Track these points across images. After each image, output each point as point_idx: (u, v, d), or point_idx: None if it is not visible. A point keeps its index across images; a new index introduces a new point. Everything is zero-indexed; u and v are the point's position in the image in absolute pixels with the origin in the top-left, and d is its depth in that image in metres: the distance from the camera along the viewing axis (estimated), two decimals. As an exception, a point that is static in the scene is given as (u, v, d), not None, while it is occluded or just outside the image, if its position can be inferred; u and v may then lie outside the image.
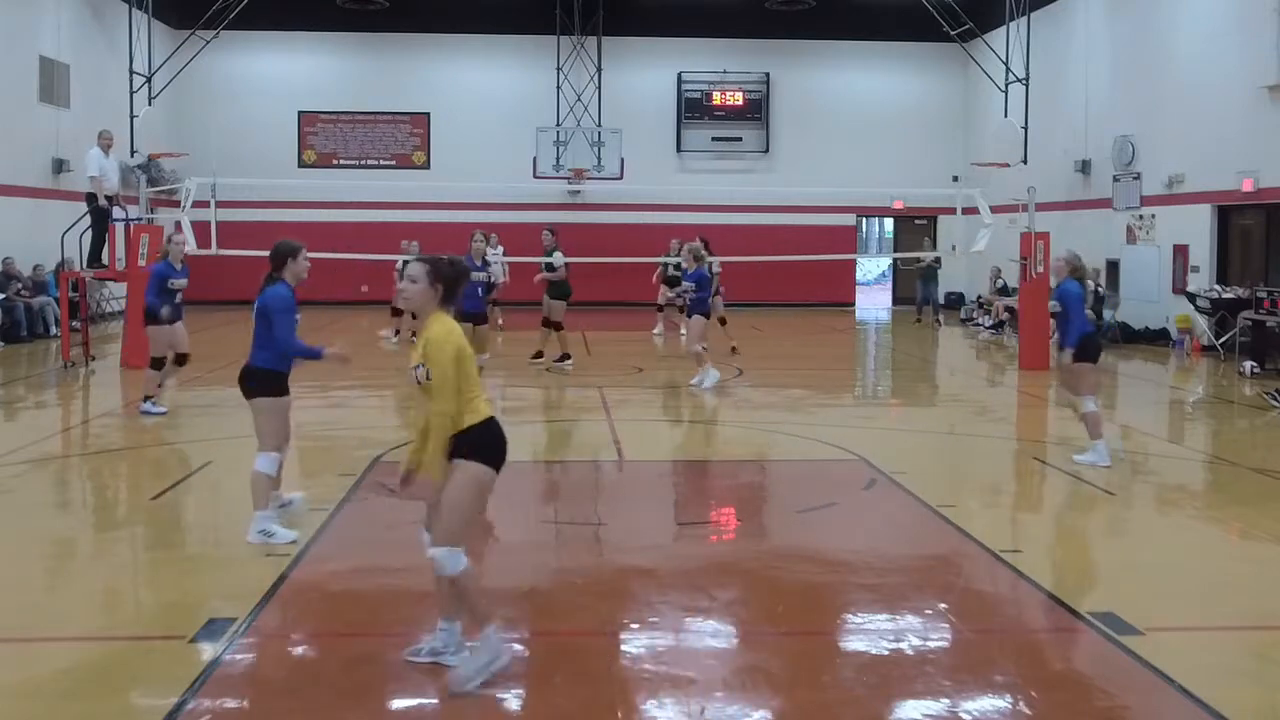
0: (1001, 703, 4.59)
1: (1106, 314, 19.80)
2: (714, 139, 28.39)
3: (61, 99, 21.47)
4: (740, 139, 28.44)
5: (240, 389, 6.82)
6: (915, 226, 28.70)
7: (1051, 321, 8.72)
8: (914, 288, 25.73)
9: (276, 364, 6.74)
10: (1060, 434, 11.38)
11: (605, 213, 26.49)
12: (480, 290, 11.67)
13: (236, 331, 21.31)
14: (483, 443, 4.64)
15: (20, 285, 18.98)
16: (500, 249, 19.63)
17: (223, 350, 17.96)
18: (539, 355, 15.66)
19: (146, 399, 11.24)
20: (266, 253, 6.79)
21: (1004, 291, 22.76)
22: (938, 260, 24.21)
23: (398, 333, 18.77)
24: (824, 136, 28.01)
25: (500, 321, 19.92)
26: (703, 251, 13.76)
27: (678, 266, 18.93)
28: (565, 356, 15.47)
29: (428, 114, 28.00)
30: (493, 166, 26.14)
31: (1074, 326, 9.14)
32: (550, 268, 15.86)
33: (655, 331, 20.14)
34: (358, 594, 6.04)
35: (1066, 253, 9.69)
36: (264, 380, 6.74)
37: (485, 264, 12.03)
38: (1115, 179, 21.08)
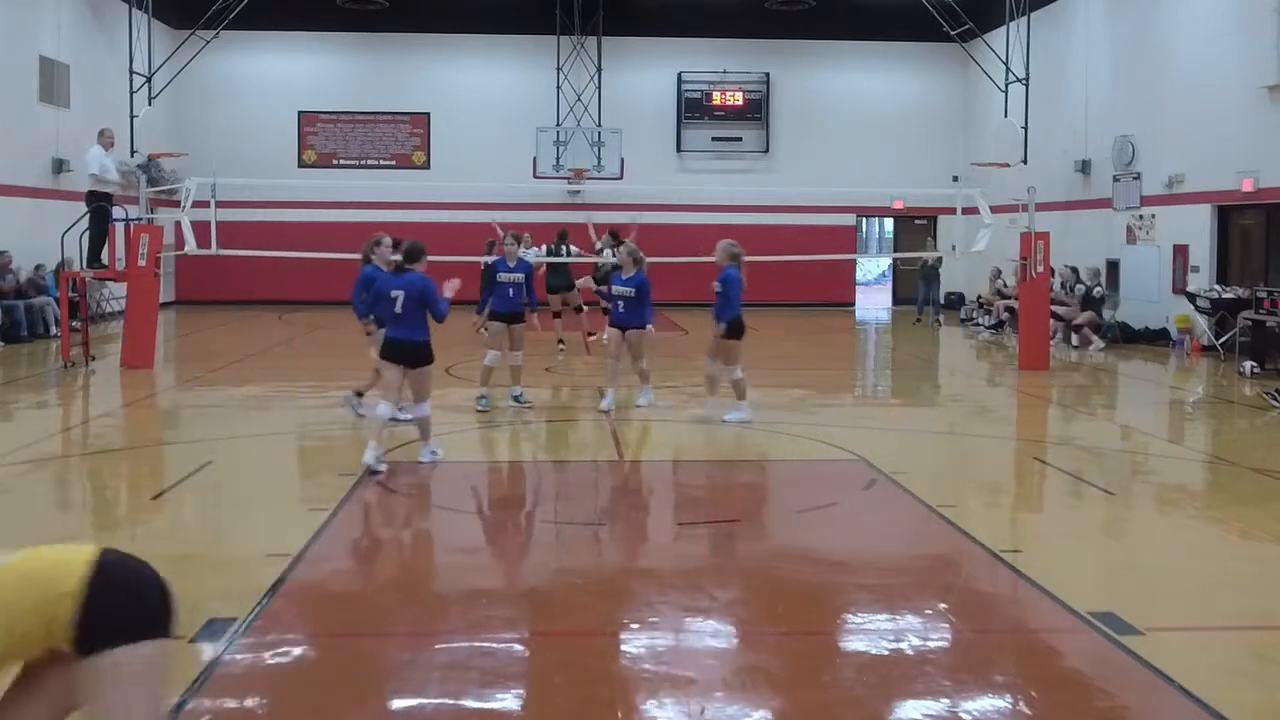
0: (1001, 703, 4.59)
1: (1106, 314, 19.80)
2: (714, 139, 28.37)
3: (61, 99, 21.46)
4: (740, 139, 28.41)
5: (409, 361, 8.62)
6: (915, 226, 28.68)
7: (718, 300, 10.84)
8: (914, 288, 25.73)
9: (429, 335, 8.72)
10: (1060, 434, 11.39)
11: (605, 213, 26.35)
12: (511, 292, 11.74)
13: (235, 332, 21.36)
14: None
15: (15, 281, 18.87)
16: (534, 249, 19.41)
17: (223, 350, 17.97)
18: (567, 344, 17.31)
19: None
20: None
21: (1003, 294, 22.74)
22: (939, 260, 24.22)
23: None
24: (824, 136, 28.00)
25: (537, 322, 19.54)
26: (641, 254, 12.00)
27: (615, 267, 18.00)
28: (560, 341, 17.21)
29: (428, 114, 27.98)
30: (493, 166, 26.12)
31: (730, 306, 10.61)
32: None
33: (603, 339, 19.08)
34: (358, 594, 6.05)
35: (726, 243, 11.05)
36: (430, 350, 8.76)
37: (517, 265, 11.96)
38: (1115, 179, 21.08)
